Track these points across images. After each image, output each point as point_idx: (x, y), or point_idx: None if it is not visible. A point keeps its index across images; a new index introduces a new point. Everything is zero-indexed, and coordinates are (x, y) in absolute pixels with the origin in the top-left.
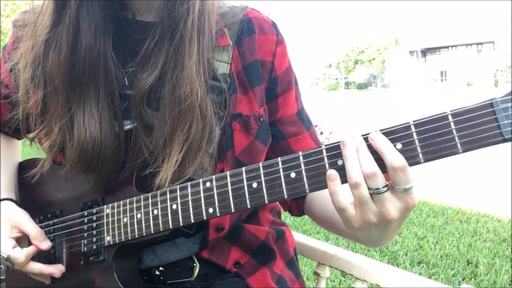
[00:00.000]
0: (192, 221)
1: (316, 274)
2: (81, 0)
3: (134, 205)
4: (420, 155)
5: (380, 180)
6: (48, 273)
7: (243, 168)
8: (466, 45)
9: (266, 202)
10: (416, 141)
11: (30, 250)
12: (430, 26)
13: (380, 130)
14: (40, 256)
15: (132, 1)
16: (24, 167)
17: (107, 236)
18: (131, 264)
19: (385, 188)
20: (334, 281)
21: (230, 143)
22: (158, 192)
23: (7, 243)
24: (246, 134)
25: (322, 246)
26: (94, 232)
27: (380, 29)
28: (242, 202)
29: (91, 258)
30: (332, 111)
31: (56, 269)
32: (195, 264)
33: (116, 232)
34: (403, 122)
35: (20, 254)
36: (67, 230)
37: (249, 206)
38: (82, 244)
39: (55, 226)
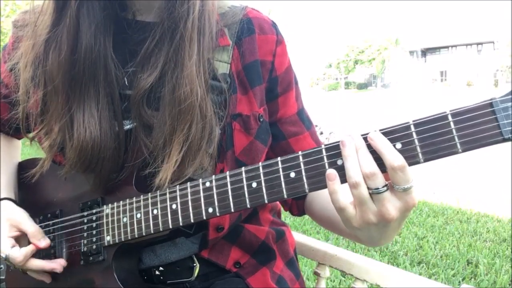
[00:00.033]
0: (192, 221)
1: (316, 274)
2: (81, 0)
3: (134, 205)
4: (420, 155)
5: (379, 180)
6: (50, 269)
7: (243, 168)
8: (466, 45)
9: (266, 202)
10: (416, 141)
11: (28, 249)
12: (430, 26)
13: (380, 130)
14: (40, 256)
15: (132, 1)
16: (24, 167)
17: (107, 236)
18: (131, 264)
19: (385, 188)
20: (334, 281)
21: (230, 143)
22: (158, 192)
23: (5, 242)
24: (246, 134)
25: (322, 246)
26: (94, 232)
27: (380, 29)
28: (241, 202)
29: (91, 258)
30: (332, 111)
31: (57, 264)
32: (195, 264)
33: (116, 232)
34: (402, 122)
35: (18, 254)
36: (67, 230)
37: (248, 206)
38: (82, 244)
39: (55, 226)
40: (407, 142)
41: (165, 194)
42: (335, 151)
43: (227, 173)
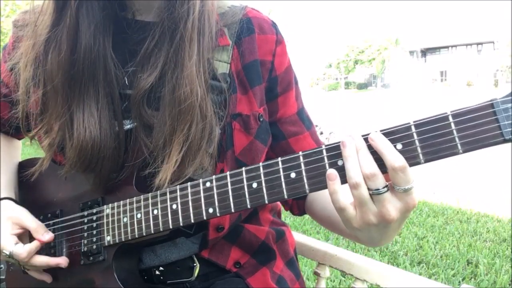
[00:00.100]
0: (192, 221)
1: (316, 274)
2: (80, 0)
3: (134, 205)
4: (421, 155)
5: (380, 181)
6: (55, 264)
7: (243, 168)
8: (466, 45)
9: (266, 202)
10: (417, 142)
11: (32, 245)
12: (430, 26)
13: (381, 131)
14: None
15: (132, 1)
16: (23, 167)
17: (107, 236)
18: (131, 264)
19: (385, 189)
20: (334, 281)
21: (230, 143)
22: (158, 192)
23: (9, 240)
24: (246, 133)
25: (322, 246)
26: (94, 232)
27: (380, 29)
28: (242, 202)
29: (91, 258)
30: (332, 111)
31: (62, 260)
32: (195, 264)
33: (116, 232)
34: (403, 122)
35: (22, 250)
36: (67, 230)
37: (249, 206)
38: (82, 244)
39: (55, 226)
40: (408, 143)
41: (166, 194)
42: (335, 151)
43: (228, 173)
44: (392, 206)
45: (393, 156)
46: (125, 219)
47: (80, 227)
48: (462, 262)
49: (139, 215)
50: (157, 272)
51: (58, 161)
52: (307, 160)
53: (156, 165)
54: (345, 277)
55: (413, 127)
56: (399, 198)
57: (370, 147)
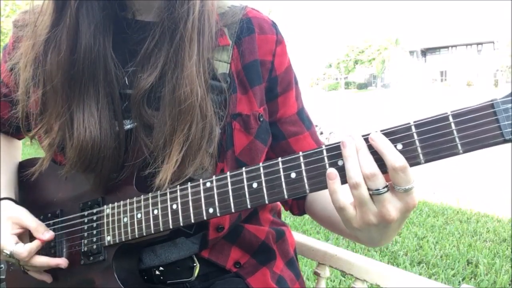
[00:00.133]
0: (192, 221)
1: (316, 274)
2: (80, 0)
3: (134, 205)
4: (421, 155)
5: (380, 181)
6: (55, 264)
7: (243, 168)
8: (466, 45)
9: (266, 202)
10: (417, 142)
11: (33, 244)
12: (430, 26)
13: (381, 131)
14: (41, 255)
15: (132, 1)
16: (24, 167)
17: (107, 236)
18: (131, 264)
19: (385, 189)
20: (334, 281)
21: (230, 143)
22: (158, 192)
23: (9, 239)
24: (246, 133)
25: (322, 246)
26: (94, 232)
27: (380, 29)
28: (242, 202)
29: (91, 258)
30: (332, 111)
31: (62, 260)
32: (195, 264)
33: (116, 232)
34: (403, 122)
35: (23, 249)
36: (67, 230)
37: (249, 206)
38: (82, 244)
39: (55, 226)
40: (408, 143)
41: (166, 194)
42: (335, 151)
43: (228, 173)
44: (392, 206)
45: (393, 156)
46: (125, 219)
47: (80, 227)
48: (462, 262)
49: (139, 215)
50: (157, 272)
51: (58, 161)
52: (307, 160)
53: (156, 165)
54: (345, 277)
55: (413, 127)
56: (399, 198)
57: (370, 147)
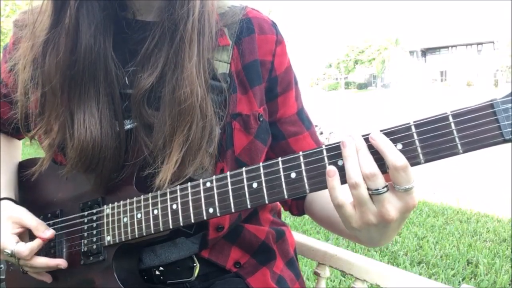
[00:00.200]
0: (192, 221)
1: (316, 274)
2: (81, 0)
3: (134, 205)
4: (421, 155)
5: (379, 181)
6: (55, 265)
7: (243, 168)
8: (466, 45)
9: (267, 202)
10: (417, 142)
11: (34, 243)
12: (430, 26)
13: (381, 131)
14: (41, 255)
15: (132, 1)
16: (24, 167)
17: (107, 236)
18: (131, 264)
19: (385, 189)
20: (334, 281)
21: (230, 143)
22: (158, 192)
23: (10, 239)
24: (245, 133)
25: (322, 246)
26: (94, 232)
27: (380, 29)
28: (242, 202)
29: (91, 258)
30: (332, 111)
31: (62, 261)
32: (195, 264)
33: (116, 232)
34: (403, 122)
35: (24, 248)
36: (67, 230)
37: (249, 206)
38: (82, 244)
39: (55, 226)
40: (408, 143)
41: (166, 194)
42: (335, 151)
43: (228, 173)
44: (391, 206)
45: (394, 155)
46: (125, 219)
47: (80, 227)
48: (462, 262)
49: (139, 215)
50: (157, 272)
51: (59, 161)
52: (307, 160)
53: (156, 165)
54: (345, 277)
55: (413, 127)
56: (399, 198)
57: (370, 147)
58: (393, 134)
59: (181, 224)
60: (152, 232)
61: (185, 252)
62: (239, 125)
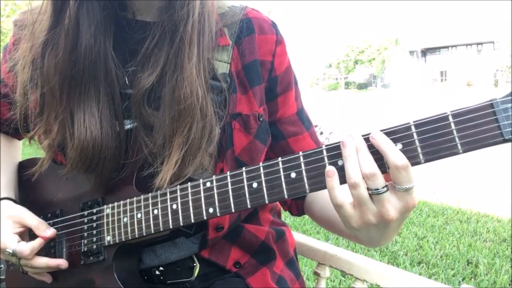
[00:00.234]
0: (192, 221)
1: (316, 274)
2: (81, 0)
3: (134, 205)
4: (421, 155)
5: (379, 181)
6: (55, 265)
7: (244, 168)
8: (466, 45)
9: (267, 202)
10: (417, 142)
11: (35, 242)
12: (430, 26)
13: (381, 131)
14: (41, 255)
15: (132, 1)
16: (24, 167)
17: (107, 236)
18: (131, 264)
19: (385, 189)
20: (334, 281)
21: (230, 143)
22: (158, 192)
23: (11, 238)
24: (245, 133)
25: (322, 246)
26: (94, 232)
27: (380, 29)
28: (242, 202)
29: (91, 258)
30: (332, 111)
31: (63, 261)
32: (195, 264)
33: (116, 232)
34: (403, 122)
35: (25, 247)
36: (67, 230)
37: (249, 206)
38: (82, 244)
39: (55, 226)
40: (408, 143)
41: (166, 194)
42: (335, 151)
43: (228, 173)
44: (391, 206)
45: (395, 154)
46: (125, 219)
47: (80, 227)
48: (462, 262)
49: (139, 215)
50: (157, 272)
51: (59, 161)
52: (307, 160)
53: (156, 165)
54: (345, 277)
55: (413, 127)
56: (399, 198)
57: (370, 147)
58: (393, 134)
59: (181, 224)
60: (152, 232)
61: (185, 252)
62: (239, 125)
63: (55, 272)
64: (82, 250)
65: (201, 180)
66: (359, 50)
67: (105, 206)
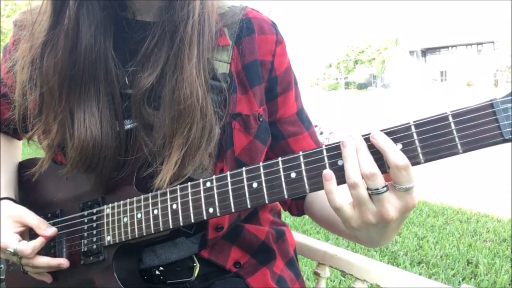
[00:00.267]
0: (192, 221)
1: (316, 274)
2: (81, 0)
3: (134, 205)
4: (421, 155)
5: (379, 181)
6: (56, 264)
7: (244, 168)
8: (466, 45)
9: (267, 202)
10: (417, 142)
11: (36, 242)
12: (430, 26)
13: (381, 131)
14: (41, 255)
15: (132, 1)
16: (24, 167)
17: (107, 236)
18: (131, 264)
19: (385, 189)
20: (334, 281)
21: (230, 143)
22: (159, 192)
23: (12, 238)
24: (245, 133)
25: (322, 246)
26: (94, 232)
27: (380, 29)
28: (242, 202)
29: (91, 258)
30: (332, 111)
31: (64, 260)
32: (195, 264)
33: (116, 232)
34: (403, 122)
35: (27, 247)
36: (67, 230)
37: (249, 206)
38: (82, 244)
39: (55, 226)
40: (408, 143)
41: (166, 194)
42: (335, 151)
43: (228, 173)
44: (391, 205)
45: (396, 154)
46: (125, 219)
47: (80, 227)
48: (462, 262)
49: (139, 215)
50: (157, 272)
51: (59, 161)
52: (307, 160)
53: (156, 165)
54: (345, 277)
55: (413, 127)
56: (399, 197)
57: (370, 147)
58: (393, 134)
59: (181, 224)
60: (152, 232)
61: (185, 252)
62: (239, 125)
63: (55, 272)
64: (82, 250)
65: (201, 180)
66: (359, 50)
67: (105, 206)
